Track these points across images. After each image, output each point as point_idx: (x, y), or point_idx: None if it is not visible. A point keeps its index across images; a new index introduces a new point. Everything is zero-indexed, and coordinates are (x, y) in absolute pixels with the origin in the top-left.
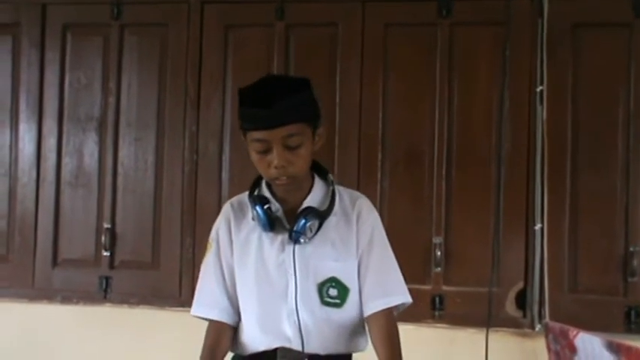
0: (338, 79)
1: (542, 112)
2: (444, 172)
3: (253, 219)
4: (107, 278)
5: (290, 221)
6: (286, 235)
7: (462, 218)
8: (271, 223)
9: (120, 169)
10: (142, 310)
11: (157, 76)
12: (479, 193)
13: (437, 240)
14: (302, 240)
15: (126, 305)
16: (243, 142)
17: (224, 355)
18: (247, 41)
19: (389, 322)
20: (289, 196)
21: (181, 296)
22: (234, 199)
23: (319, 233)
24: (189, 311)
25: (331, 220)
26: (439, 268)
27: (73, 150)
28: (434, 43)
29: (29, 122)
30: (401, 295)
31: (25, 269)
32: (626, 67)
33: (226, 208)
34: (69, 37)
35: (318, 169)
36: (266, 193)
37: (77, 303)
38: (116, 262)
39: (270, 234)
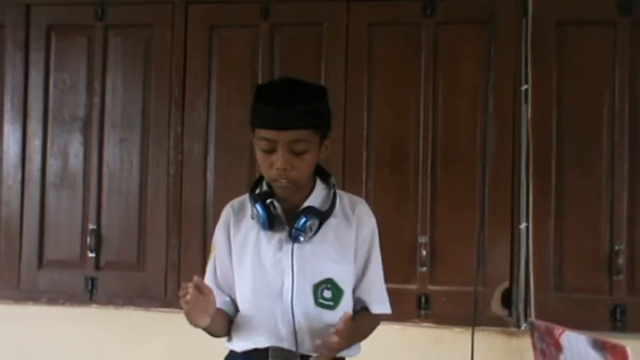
0: (323, 78)
1: (527, 111)
2: (429, 172)
3: (252, 217)
4: (93, 279)
5: (289, 221)
6: (285, 234)
7: (447, 217)
8: (270, 221)
9: (105, 170)
10: (127, 311)
11: (142, 76)
12: (464, 192)
13: (422, 239)
14: (301, 238)
15: (112, 306)
16: (228, 142)
17: (223, 320)
18: (232, 41)
19: (372, 318)
20: (289, 197)
21: (167, 297)
22: (235, 200)
23: (318, 234)
24: (175, 312)
25: (331, 222)
26: (425, 268)
27: (58, 151)
28: (418, 42)
29: (14, 123)
30: (383, 305)
31: (11, 270)
32: (610, 65)
33: (226, 210)
34: (53, 38)
35: (321, 172)
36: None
37: (63, 304)
38: (102, 263)
39: (269, 233)
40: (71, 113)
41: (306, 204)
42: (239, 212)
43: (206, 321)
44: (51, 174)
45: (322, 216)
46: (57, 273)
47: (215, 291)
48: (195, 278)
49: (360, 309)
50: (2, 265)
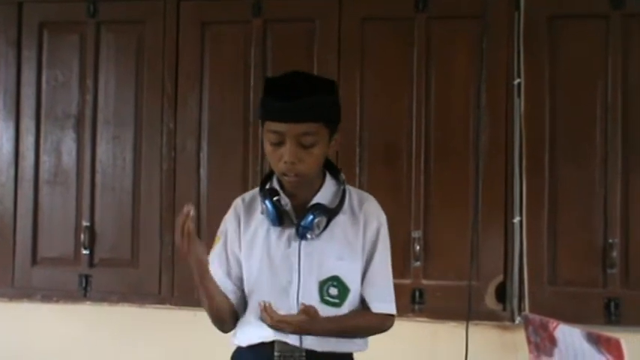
0: (315, 74)
1: (519, 105)
2: (422, 166)
3: (262, 213)
4: (87, 276)
5: (298, 217)
6: (293, 231)
7: (440, 212)
8: (279, 217)
9: (98, 167)
10: (122, 308)
11: (134, 73)
12: (457, 186)
13: (416, 234)
14: (309, 236)
15: (106, 303)
16: (221, 138)
17: (226, 308)
18: (224, 38)
19: (377, 318)
20: (299, 192)
21: (161, 293)
22: (247, 194)
23: (326, 231)
24: (169, 308)
25: (340, 219)
26: (418, 262)
27: (51, 148)
28: (411, 37)
29: (7, 121)
30: (388, 305)
31: (5, 268)
32: (603, 59)
33: (237, 202)
34: (45, 35)
35: (331, 167)
36: (276, 187)
37: (57, 301)
38: (95, 260)
39: (278, 229)
40: (64, 110)
41: (315, 200)
42: (250, 207)
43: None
44: (44, 171)
45: (330, 213)
46: (51, 270)
47: (221, 276)
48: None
49: (364, 307)
50: None
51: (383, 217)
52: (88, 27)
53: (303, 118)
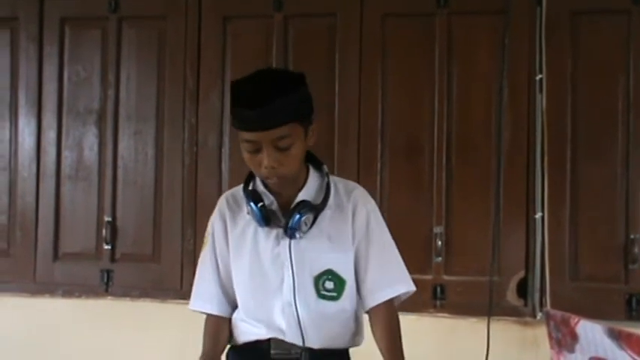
0: (337, 69)
1: (541, 101)
2: (443, 162)
3: (248, 213)
4: (108, 271)
5: (285, 214)
6: (282, 229)
7: (462, 208)
8: (266, 219)
9: (120, 162)
10: (143, 303)
11: (156, 68)
12: (479, 182)
13: (437, 230)
14: (297, 235)
15: (127, 298)
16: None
17: (224, 348)
18: (245, 32)
19: (389, 312)
20: (283, 190)
21: (182, 289)
22: (229, 192)
23: (314, 226)
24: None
25: (326, 213)
26: (440, 258)
27: (73, 143)
28: (432, 32)
29: (28, 116)
30: (402, 284)
31: (27, 263)
32: (625, 54)
33: (221, 202)
34: (67, 30)
35: (313, 160)
36: (260, 186)
37: (79, 297)
38: (117, 255)
39: (266, 228)
40: (85, 106)
41: (300, 197)
42: (234, 205)
43: None
44: (66, 166)
45: (316, 209)
46: (72, 265)
47: (212, 286)
48: None
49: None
50: (18, 258)
51: (371, 205)
52: (110, 22)
53: (273, 124)
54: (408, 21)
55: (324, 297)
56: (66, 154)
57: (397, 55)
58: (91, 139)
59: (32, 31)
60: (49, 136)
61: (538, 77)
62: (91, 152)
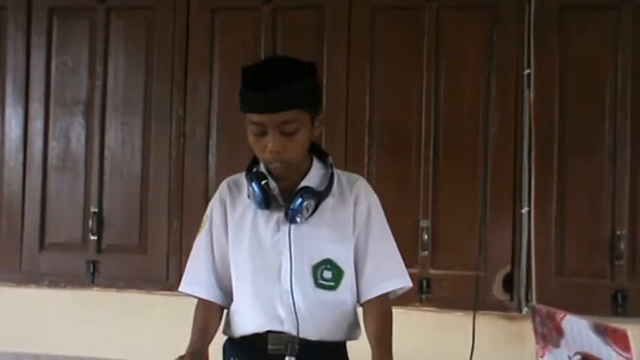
0: (325, 62)
1: (529, 96)
2: (431, 156)
3: (249, 196)
4: (94, 262)
5: (286, 200)
6: (282, 215)
7: (449, 202)
8: (267, 201)
9: (107, 153)
10: (129, 294)
11: (144, 59)
12: (466, 176)
13: (424, 223)
14: (298, 219)
15: (113, 289)
16: (230, 125)
17: (214, 334)
18: (234, 25)
19: (384, 306)
20: (286, 176)
21: (169, 280)
22: (230, 178)
23: (315, 214)
24: (176, 295)
25: (328, 202)
26: (426, 252)
27: (60, 134)
28: (421, 26)
29: (15, 106)
30: (399, 279)
31: (12, 253)
32: (613, 50)
33: (222, 186)
34: (55, 20)
35: (318, 151)
36: (263, 171)
37: (64, 287)
38: (103, 246)
39: (266, 212)
40: (73, 96)
41: (303, 184)
42: (235, 190)
43: None
44: (52, 156)
45: (319, 196)
46: (58, 256)
47: (203, 270)
48: None
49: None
50: (4, 248)
51: (373, 197)
52: (98, 13)
53: (281, 107)
54: (396, 14)
55: (321, 286)
56: (53, 144)
57: (385, 48)
58: (78, 130)
59: (20, 20)
60: (36, 126)
61: (526, 72)
62: (78, 143)
